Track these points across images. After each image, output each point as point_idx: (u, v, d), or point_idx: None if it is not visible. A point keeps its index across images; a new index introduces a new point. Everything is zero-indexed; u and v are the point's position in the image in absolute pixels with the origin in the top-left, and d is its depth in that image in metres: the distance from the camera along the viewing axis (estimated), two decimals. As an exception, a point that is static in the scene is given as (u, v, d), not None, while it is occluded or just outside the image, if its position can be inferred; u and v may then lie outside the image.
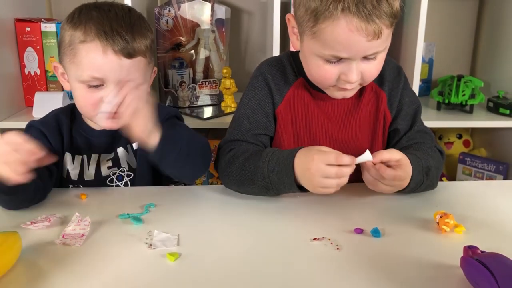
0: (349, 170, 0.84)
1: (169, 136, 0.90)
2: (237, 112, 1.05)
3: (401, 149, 0.94)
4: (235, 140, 1.01)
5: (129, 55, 0.91)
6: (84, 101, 0.95)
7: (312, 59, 0.91)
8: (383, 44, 0.87)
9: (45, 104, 1.58)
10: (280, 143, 1.03)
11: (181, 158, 0.91)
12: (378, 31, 0.82)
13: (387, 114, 1.03)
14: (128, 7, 0.98)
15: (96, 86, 0.92)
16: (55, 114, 1.03)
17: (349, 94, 0.96)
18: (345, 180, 0.85)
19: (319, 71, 0.91)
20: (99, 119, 0.94)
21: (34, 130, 1.00)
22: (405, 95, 1.03)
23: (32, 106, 1.62)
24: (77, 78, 0.93)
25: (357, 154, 1.00)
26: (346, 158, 0.83)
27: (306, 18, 0.87)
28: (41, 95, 1.62)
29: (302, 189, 0.90)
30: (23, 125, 1.52)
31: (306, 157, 0.87)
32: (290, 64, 1.04)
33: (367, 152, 0.86)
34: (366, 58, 0.88)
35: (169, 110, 1.06)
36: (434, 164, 0.96)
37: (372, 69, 0.91)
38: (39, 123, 1.01)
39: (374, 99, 1.02)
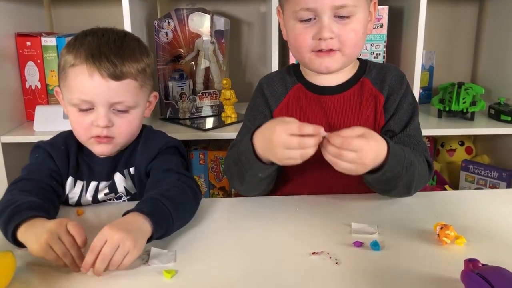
0: (312, 141, 0.81)
1: (157, 229, 0.80)
2: (242, 124, 1.12)
3: None
4: (238, 142, 1.02)
5: (117, 77, 0.91)
6: (76, 125, 0.96)
7: (290, 24, 0.97)
8: None
9: (46, 117, 1.59)
10: None
11: (170, 232, 0.85)
12: None
13: (382, 116, 1.03)
14: (124, 32, 0.99)
15: (86, 110, 0.93)
16: (64, 137, 1.02)
17: (330, 62, 0.96)
18: (310, 151, 0.81)
19: (296, 34, 0.97)
20: (91, 144, 0.95)
21: (41, 151, 0.99)
22: (404, 101, 1.03)
23: (33, 120, 1.62)
24: (68, 101, 0.94)
25: None
26: (309, 128, 0.81)
27: None
28: (42, 108, 1.63)
29: (272, 165, 0.90)
30: (24, 139, 1.55)
31: (267, 128, 0.86)
32: (289, 73, 1.09)
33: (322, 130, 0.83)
34: (339, 17, 0.93)
35: (168, 140, 1.03)
36: (418, 168, 0.94)
37: (349, 31, 0.94)
38: (47, 145, 1.00)
39: (373, 103, 1.03)
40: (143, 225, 0.78)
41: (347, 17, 0.94)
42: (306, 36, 0.95)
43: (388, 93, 1.03)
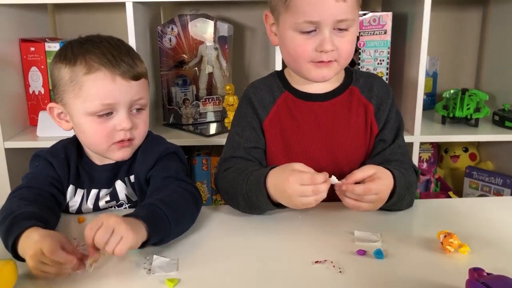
0: (325, 187, 0.86)
1: (153, 233, 0.80)
2: (229, 133, 1.10)
3: (384, 163, 0.97)
4: (229, 157, 1.04)
5: (135, 77, 0.93)
6: (96, 134, 0.94)
7: (289, 34, 0.97)
8: (351, 11, 0.94)
9: (49, 123, 1.57)
10: (271, 155, 1.07)
11: (169, 237, 0.85)
12: None
13: (374, 125, 1.06)
14: (116, 38, 0.99)
15: (107, 115, 0.92)
16: (64, 145, 1.01)
17: (327, 72, 0.98)
18: (323, 195, 0.86)
19: (296, 46, 0.96)
20: (112, 151, 0.95)
21: (41, 159, 0.99)
22: (392, 111, 1.07)
23: (36, 125, 1.62)
24: (85, 111, 0.92)
25: (348, 163, 1.03)
26: (320, 177, 0.85)
27: None
28: (45, 114, 1.61)
29: (280, 205, 0.92)
30: (27, 144, 1.55)
31: (280, 177, 0.88)
32: (275, 80, 1.09)
33: (333, 177, 0.87)
34: (338, 29, 0.94)
35: (168, 146, 1.03)
36: (414, 183, 0.99)
37: (346, 43, 0.96)
38: (46, 153, 0.99)
39: (363, 111, 1.05)
40: (139, 228, 0.78)
41: (345, 29, 0.95)
42: (307, 47, 0.95)
43: (377, 102, 1.06)
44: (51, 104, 0.98)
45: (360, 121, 1.05)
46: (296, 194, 0.85)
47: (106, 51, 0.92)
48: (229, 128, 1.64)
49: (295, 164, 0.88)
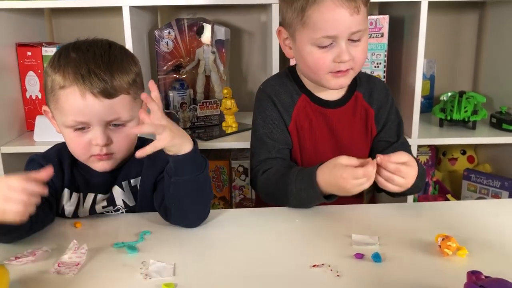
0: (374, 171, 0.92)
1: (197, 157, 0.89)
2: (256, 133, 1.14)
3: None
4: (266, 159, 1.10)
5: (110, 95, 0.90)
6: (74, 145, 0.95)
7: (307, 49, 1.03)
8: (363, 22, 1.01)
9: (46, 127, 1.57)
10: (291, 154, 1.14)
11: (190, 186, 0.88)
12: (357, 5, 0.98)
13: (373, 128, 1.15)
14: (108, 42, 0.96)
15: (83, 129, 0.92)
16: (58, 149, 1.01)
17: (344, 81, 1.05)
18: (374, 177, 0.93)
19: (314, 59, 1.03)
20: (92, 162, 0.95)
21: (35, 164, 0.98)
22: (391, 113, 1.16)
23: (33, 130, 1.62)
24: (62, 123, 0.93)
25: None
26: (371, 169, 0.92)
27: (294, 15, 1.02)
28: (42, 118, 1.62)
29: (329, 197, 0.99)
30: (24, 149, 1.55)
31: (334, 176, 0.94)
32: (291, 81, 1.14)
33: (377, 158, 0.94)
34: (352, 40, 1.01)
35: None
36: (423, 173, 1.05)
37: (360, 52, 1.03)
38: (41, 158, 0.99)
39: (364, 115, 1.14)
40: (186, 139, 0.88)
41: (358, 39, 1.02)
42: (326, 60, 1.02)
43: (377, 106, 1.14)
44: (44, 107, 0.99)
45: (361, 126, 1.13)
46: (355, 187, 0.92)
47: (84, 64, 0.89)
48: (227, 132, 1.67)
49: (341, 158, 0.94)
